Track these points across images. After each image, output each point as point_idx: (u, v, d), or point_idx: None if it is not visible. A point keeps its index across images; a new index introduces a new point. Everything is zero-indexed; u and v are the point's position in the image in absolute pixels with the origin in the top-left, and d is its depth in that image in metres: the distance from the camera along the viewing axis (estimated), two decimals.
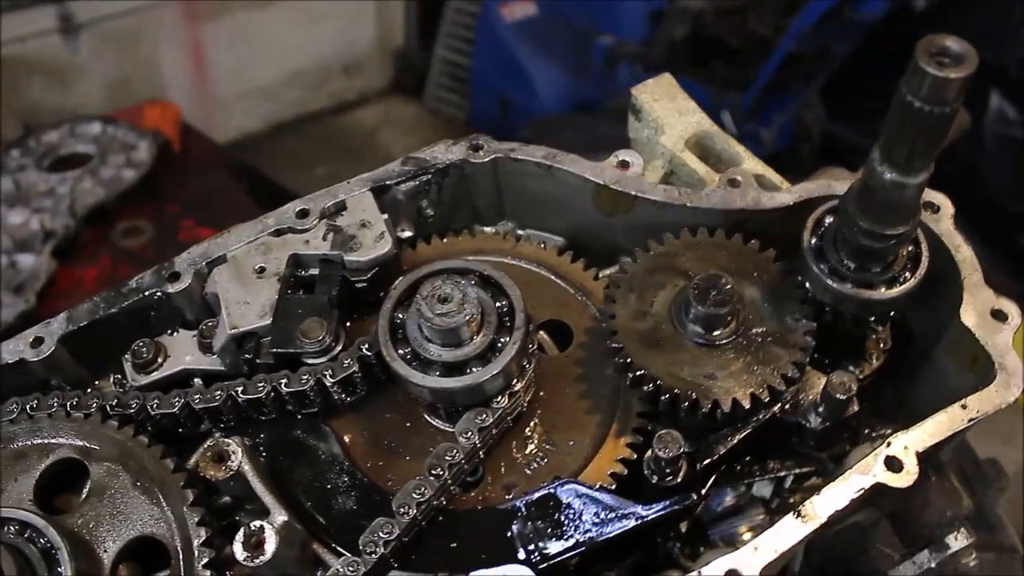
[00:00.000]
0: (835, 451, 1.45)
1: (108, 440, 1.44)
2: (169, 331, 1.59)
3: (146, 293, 1.55)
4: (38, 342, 1.53)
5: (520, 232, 1.74)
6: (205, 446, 1.44)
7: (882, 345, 1.55)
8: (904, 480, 1.30)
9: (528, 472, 1.45)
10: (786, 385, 1.38)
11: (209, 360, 1.56)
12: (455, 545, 1.37)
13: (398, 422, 1.50)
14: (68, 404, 1.49)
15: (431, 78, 6.17)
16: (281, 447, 1.48)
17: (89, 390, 1.56)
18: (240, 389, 1.46)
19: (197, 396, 1.47)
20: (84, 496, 1.41)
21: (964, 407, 1.35)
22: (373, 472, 1.46)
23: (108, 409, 1.48)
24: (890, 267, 1.38)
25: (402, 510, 1.34)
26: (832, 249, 1.40)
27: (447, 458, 1.38)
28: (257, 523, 1.30)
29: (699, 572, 1.22)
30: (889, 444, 1.32)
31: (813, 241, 1.42)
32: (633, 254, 1.51)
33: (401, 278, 1.46)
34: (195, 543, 1.32)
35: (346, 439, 1.49)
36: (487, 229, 1.75)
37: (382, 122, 6.16)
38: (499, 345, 1.38)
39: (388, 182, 1.60)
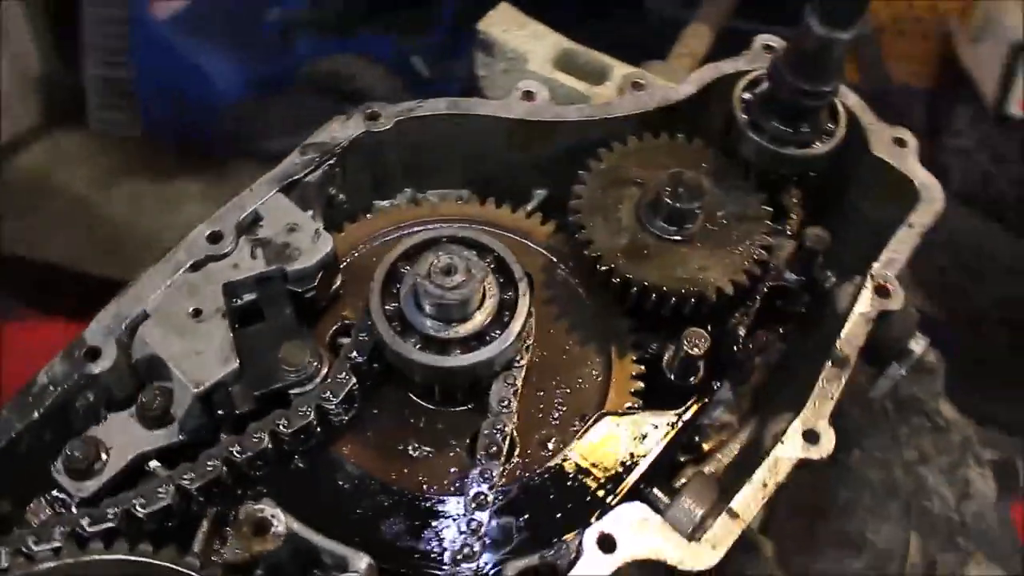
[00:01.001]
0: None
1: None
2: (96, 421, 1.34)
3: (65, 386, 1.29)
4: None
5: (420, 196, 1.64)
6: (237, 523, 1.23)
7: (794, 201, 1.64)
8: (896, 302, 1.42)
9: (555, 422, 1.40)
10: (768, 253, 1.44)
11: (162, 435, 1.34)
12: (533, 516, 1.31)
13: (400, 423, 1.38)
14: (24, 546, 1.22)
15: (89, 100, 5.53)
16: (293, 496, 1.31)
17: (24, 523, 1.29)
18: (236, 449, 1.27)
19: (189, 476, 1.26)
20: None
21: (911, 225, 1.48)
22: (404, 482, 1.34)
23: (82, 531, 1.23)
24: (819, 123, 1.47)
25: (477, 503, 1.25)
26: (764, 119, 1.46)
27: (496, 434, 1.29)
28: None
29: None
30: (872, 276, 1.42)
31: (745, 116, 1.47)
32: (579, 178, 1.48)
33: (377, 271, 1.33)
34: None
35: (360, 459, 1.35)
36: (384, 203, 1.63)
37: (52, 160, 5.47)
38: (508, 303, 1.31)
39: (295, 177, 1.44)
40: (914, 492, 1.70)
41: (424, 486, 1.33)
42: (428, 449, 1.36)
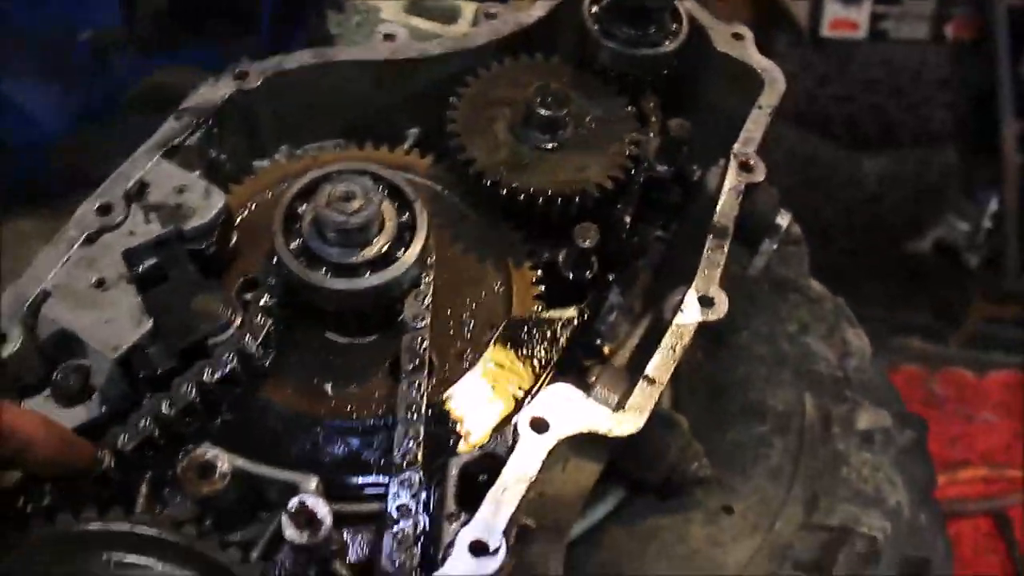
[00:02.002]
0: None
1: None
2: None
3: None
4: None
5: (298, 152, 1.67)
6: (181, 467, 1.23)
7: (652, 104, 1.75)
8: (759, 174, 1.54)
9: (468, 335, 1.46)
10: (638, 148, 1.54)
11: (83, 411, 1.32)
12: (464, 422, 1.37)
13: (319, 360, 1.41)
14: None
15: None
16: (227, 446, 1.32)
17: None
18: (166, 405, 1.27)
19: (121, 439, 1.26)
20: None
21: (760, 107, 1.61)
22: (334, 414, 1.37)
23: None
24: (664, 25, 1.58)
25: (410, 414, 1.30)
26: (614, 26, 1.56)
27: (417, 346, 1.34)
28: (294, 501, 1.18)
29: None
30: (734, 155, 1.54)
31: (596, 27, 1.57)
32: (451, 105, 1.55)
33: (276, 212, 1.35)
34: None
35: (287, 400, 1.37)
36: (263, 162, 1.65)
37: None
38: (406, 224, 1.37)
39: (175, 142, 1.45)
40: (801, 358, 1.84)
41: (355, 414, 1.37)
42: (351, 380, 1.40)
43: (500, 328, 1.45)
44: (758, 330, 1.88)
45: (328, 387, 1.39)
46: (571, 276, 1.50)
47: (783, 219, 1.69)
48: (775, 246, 1.70)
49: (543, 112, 1.48)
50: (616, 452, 1.42)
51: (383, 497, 1.31)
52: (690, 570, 1.54)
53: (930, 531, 1.79)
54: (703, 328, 1.39)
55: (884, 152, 4.16)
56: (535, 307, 1.49)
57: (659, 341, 1.37)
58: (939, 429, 1.93)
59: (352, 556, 1.32)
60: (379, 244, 1.33)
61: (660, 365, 1.34)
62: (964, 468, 3.01)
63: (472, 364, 1.43)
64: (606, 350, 1.65)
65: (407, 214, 1.37)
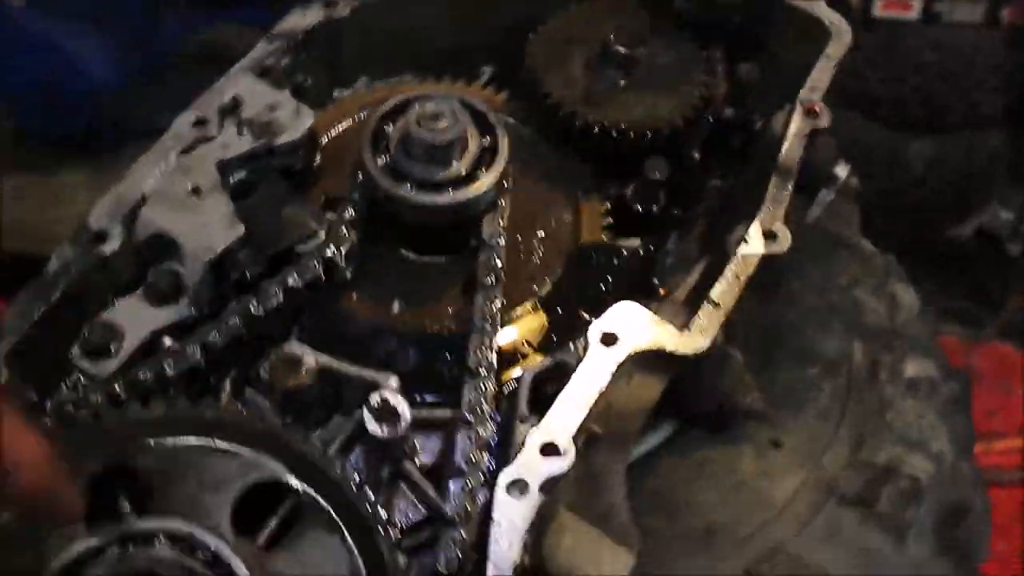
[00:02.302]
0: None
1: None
2: (105, 308, 1.40)
3: (76, 270, 1.35)
4: None
5: (376, 83, 1.74)
6: (270, 361, 1.30)
7: (719, 52, 1.80)
8: (824, 120, 1.59)
9: (537, 262, 1.52)
10: (707, 90, 1.59)
11: (173, 311, 1.40)
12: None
13: (397, 275, 1.49)
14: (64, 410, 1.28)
15: None
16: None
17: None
18: (255, 305, 1.35)
19: (212, 335, 1.33)
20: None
21: (828, 57, 1.65)
22: (410, 326, 1.44)
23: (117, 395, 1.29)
24: None
25: (486, 324, 1.36)
26: None
27: (492, 262, 1.41)
28: (375, 396, 1.25)
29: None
30: (800, 102, 1.59)
31: None
32: (529, 42, 1.61)
33: (363, 130, 1.42)
34: None
35: (366, 311, 1.44)
36: (344, 92, 1.72)
37: None
38: (488, 147, 1.43)
39: (267, 63, 1.52)
40: (851, 309, 1.88)
41: (429, 327, 1.44)
42: (425, 295, 1.47)
43: (568, 254, 1.51)
44: (810, 280, 1.93)
45: (404, 301, 1.45)
46: (639, 209, 1.56)
47: (842, 170, 1.74)
48: (832, 196, 1.76)
49: (619, 50, 1.54)
50: (675, 378, 1.48)
51: (454, 405, 1.38)
52: (738, 499, 1.59)
53: (971, 483, 1.83)
54: (757, 276, 1.44)
55: (931, 136, 4.15)
56: (602, 237, 1.55)
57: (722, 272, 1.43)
58: (977, 402, 1.96)
59: (423, 460, 1.39)
60: (461, 164, 1.39)
61: (724, 291, 1.39)
62: (1001, 439, 3.03)
63: (540, 287, 1.49)
64: (661, 292, 1.71)
65: (489, 138, 1.43)
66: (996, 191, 4.36)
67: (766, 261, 1.45)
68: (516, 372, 1.39)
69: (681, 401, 1.62)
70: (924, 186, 4.31)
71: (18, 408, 1.07)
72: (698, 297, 1.56)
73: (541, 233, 1.54)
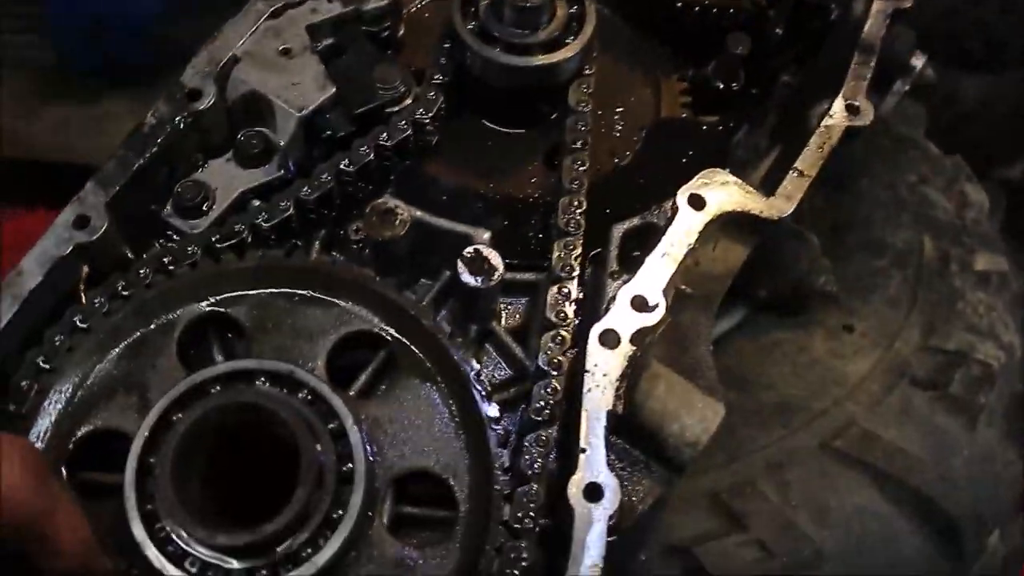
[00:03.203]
0: None
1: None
2: (196, 169, 1.42)
3: (170, 127, 1.36)
4: (83, 222, 1.29)
5: None
6: (365, 214, 1.32)
7: None
8: (908, 1, 1.58)
9: (617, 135, 1.53)
10: None
11: (262, 172, 1.42)
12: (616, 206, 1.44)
13: (481, 143, 1.50)
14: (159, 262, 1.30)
15: None
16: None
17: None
18: (346, 162, 1.37)
19: (305, 189, 1.35)
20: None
21: None
22: (495, 191, 1.46)
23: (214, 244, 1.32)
24: None
25: (574, 185, 1.38)
26: None
27: (580, 127, 1.42)
28: (469, 249, 1.27)
29: None
30: None
31: None
32: None
33: None
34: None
35: (452, 175, 1.46)
36: None
37: None
38: (576, 15, 1.43)
39: None
40: (920, 205, 1.88)
41: (513, 194, 1.45)
42: (509, 163, 1.48)
43: (651, 128, 1.52)
44: (878, 177, 1.93)
45: (489, 170, 1.47)
46: (719, 85, 1.56)
47: (918, 60, 1.73)
48: (907, 87, 1.75)
49: None
50: (754, 257, 1.49)
51: (538, 269, 1.40)
52: (811, 377, 1.61)
53: None
54: (825, 170, 1.44)
55: (986, 72, 4.09)
56: (681, 114, 1.55)
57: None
58: None
59: (508, 322, 1.41)
60: (550, 29, 1.40)
61: (808, 159, 1.40)
62: None
63: (622, 159, 1.50)
64: None
65: (576, 7, 1.44)
66: None
67: (849, 133, 1.45)
68: None
69: (756, 283, 1.64)
70: (974, 123, 4.27)
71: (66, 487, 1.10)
72: (772, 180, 1.57)
73: (620, 109, 1.55)
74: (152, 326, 1.28)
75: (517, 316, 1.41)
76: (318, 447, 1.13)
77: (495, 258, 1.26)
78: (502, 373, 1.37)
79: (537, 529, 1.16)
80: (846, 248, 1.80)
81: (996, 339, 1.71)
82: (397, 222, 1.30)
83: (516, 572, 1.12)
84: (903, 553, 1.48)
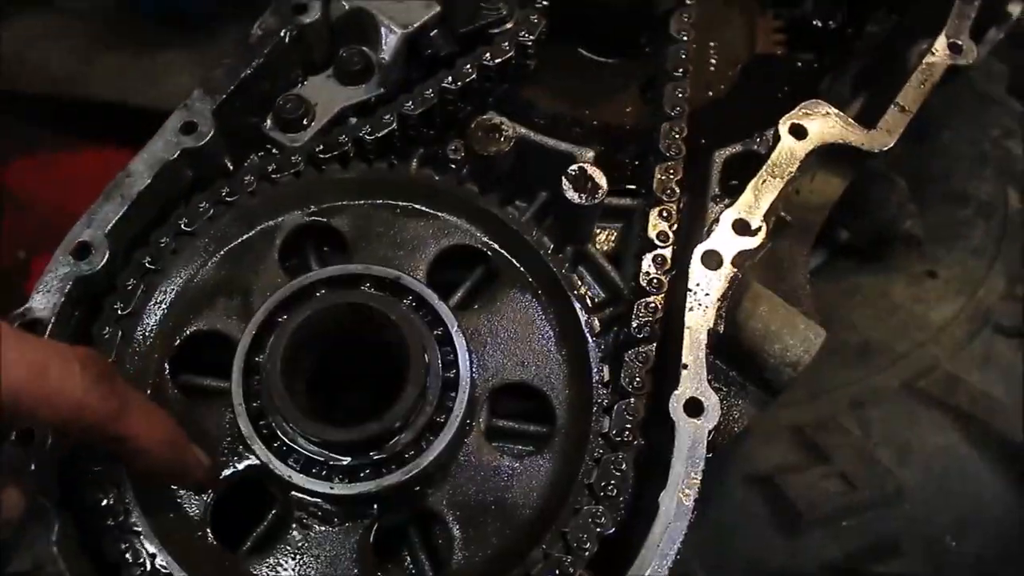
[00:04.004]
0: None
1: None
2: (292, 84, 1.43)
3: (280, 35, 1.37)
4: (190, 128, 1.30)
5: None
6: (471, 129, 1.33)
7: None
8: None
9: (713, 69, 1.53)
10: None
11: (361, 90, 1.43)
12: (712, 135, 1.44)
13: (578, 71, 1.51)
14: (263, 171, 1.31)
15: None
16: None
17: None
18: (448, 80, 1.37)
19: (408, 104, 1.36)
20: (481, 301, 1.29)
21: None
22: (592, 118, 1.46)
23: (319, 155, 1.33)
24: None
25: (676, 111, 1.38)
26: None
27: (681, 57, 1.41)
28: (574, 167, 1.27)
29: None
30: None
31: None
32: None
33: None
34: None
35: (549, 101, 1.47)
36: None
37: (19, 44, 5.31)
38: None
39: None
40: (1004, 159, 1.87)
41: (612, 120, 1.46)
42: (606, 92, 1.48)
43: (743, 64, 1.52)
44: (961, 131, 1.92)
45: (586, 97, 1.47)
46: (818, 23, 1.55)
47: (1015, 7, 1.71)
48: (1002, 35, 1.73)
49: None
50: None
51: (633, 194, 1.40)
52: (894, 320, 1.61)
53: None
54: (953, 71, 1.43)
55: None
56: (776, 50, 1.55)
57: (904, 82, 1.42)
58: None
59: (602, 246, 1.42)
60: None
61: (910, 95, 1.39)
62: None
63: (717, 93, 1.50)
64: None
65: None
66: None
67: (951, 72, 1.44)
68: None
69: (840, 224, 1.64)
70: None
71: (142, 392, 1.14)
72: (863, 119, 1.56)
73: (715, 44, 1.54)
74: (254, 232, 1.30)
75: (611, 241, 1.42)
76: (425, 349, 1.15)
77: (599, 176, 1.27)
78: (596, 294, 1.38)
79: (636, 443, 1.16)
80: (928, 199, 1.79)
81: None
82: (502, 138, 1.31)
83: (613, 483, 1.13)
84: (983, 496, 1.49)
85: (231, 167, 1.38)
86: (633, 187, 1.41)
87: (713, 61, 1.53)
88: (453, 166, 1.38)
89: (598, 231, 1.41)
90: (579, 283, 1.25)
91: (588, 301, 1.25)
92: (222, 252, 1.29)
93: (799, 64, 1.54)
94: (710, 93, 1.50)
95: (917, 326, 1.59)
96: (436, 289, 1.27)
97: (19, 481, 1.02)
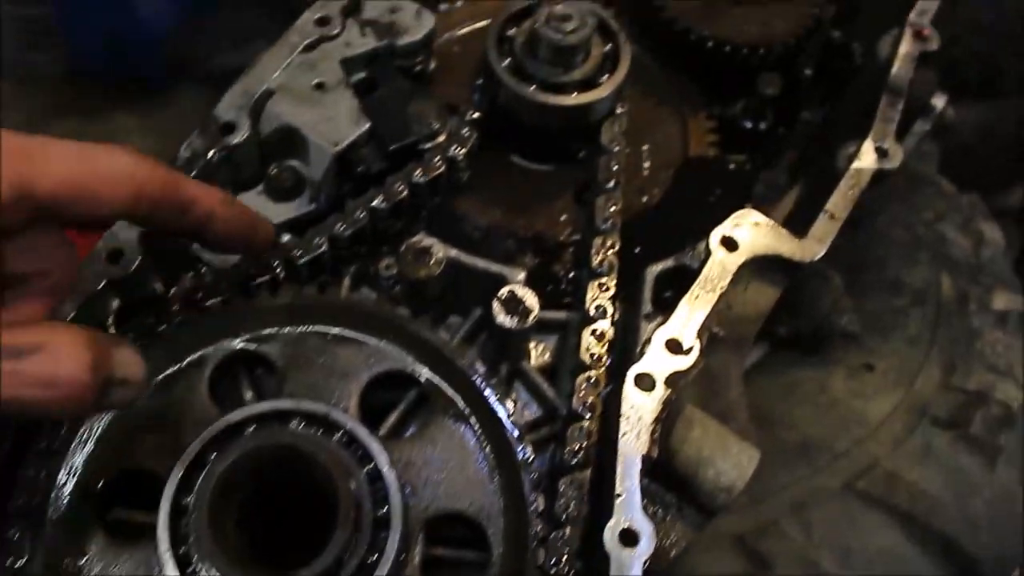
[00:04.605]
0: None
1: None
2: None
3: (207, 156, 1.36)
4: (116, 256, 1.28)
5: None
6: (400, 252, 1.32)
7: None
8: (934, 43, 1.60)
9: (646, 174, 1.54)
10: (820, 11, 1.60)
11: (293, 206, 1.42)
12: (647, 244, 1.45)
13: (510, 180, 1.51)
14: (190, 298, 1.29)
15: (5, 42, 5.31)
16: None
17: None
18: (379, 200, 1.36)
19: (340, 226, 1.34)
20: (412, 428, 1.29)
21: None
22: (527, 229, 1.46)
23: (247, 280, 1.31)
24: None
25: (607, 225, 1.38)
26: None
27: (613, 166, 1.42)
28: (504, 289, 1.27)
29: None
30: (910, 23, 1.60)
31: None
32: None
33: (489, 31, 1.43)
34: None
35: (482, 213, 1.46)
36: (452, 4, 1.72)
37: None
38: (610, 53, 1.44)
39: None
40: (937, 243, 1.89)
41: (543, 231, 1.45)
42: (539, 201, 1.48)
43: (677, 168, 1.52)
44: (894, 215, 1.94)
45: (519, 206, 1.47)
46: (748, 125, 1.57)
47: (939, 100, 1.74)
48: (928, 127, 1.76)
49: None
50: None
51: (570, 307, 1.40)
52: (833, 417, 1.61)
53: None
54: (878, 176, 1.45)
55: (984, 101, 4.12)
56: (709, 152, 1.56)
57: (834, 186, 1.44)
58: None
59: (537, 359, 1.41)
60: (585, 68, 1.40)
61: (839, 202, 1.40)
62: None
63: (651, 198, 1.50)
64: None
65: (610, 45, 1.44)
66: None
67: (878, 176, 1.46)
68: None
69: (776, 321, 1.64)
70: (972, 153, 4.30)
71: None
72: (796, 219, 1.58)
73: (648, 147, 1.55)
74: (183, 364, 1.27)
75: (547, 354, 1.41)
76: (355, 490, 1.13)
77: (530, 299, 1.26)
78: (531, 412, 1.37)
79: (572, 574, 1.15)
80: (863, 286, 1.80)
81: (1015, 379, 1.72)
82: (432, 261, 1.30)
83: None
84: None
85: (161, 290, 1.36)
86: (568, 300, 1.40)
87: (647, 164, 1.53)
88: (385, 284, 1.37)
89: (533, 344, 1.40)
90: (513, 409, 1.24)
91: (523, 426, 1.24)
92: (150, 386, 1.26)
93: (731, 166, 1.55)
94: (644, 199, 1.50)
95: (856, 422, 1.60)
96: (370, 413, 1.25)
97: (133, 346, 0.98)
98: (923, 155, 2.09)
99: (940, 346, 1.72)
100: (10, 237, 0.90)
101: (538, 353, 1.41)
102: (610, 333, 1.31)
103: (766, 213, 1.66)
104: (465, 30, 1.63)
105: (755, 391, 1.63)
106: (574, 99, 1.39)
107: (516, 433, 1.23)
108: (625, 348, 1.32)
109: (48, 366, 0.84)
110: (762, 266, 1.35)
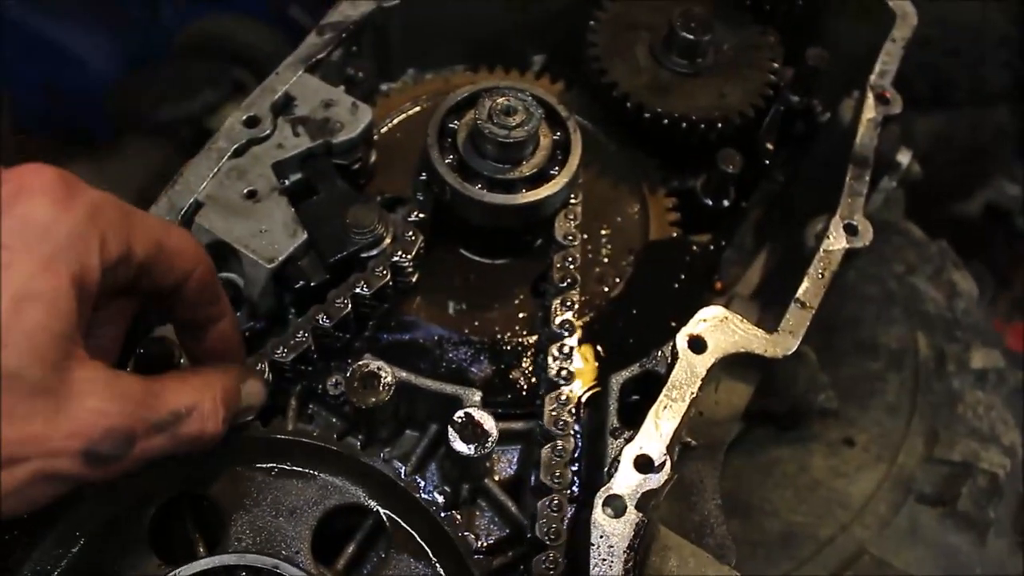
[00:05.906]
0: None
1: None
2: (159, 322, 1.32)
3: None
4: None
5: (426, 76, 1.66)
6: (346, 378, 1.22)
7: (774, 39, 1.73)
8: (897, 106, 1.53)
9: (607, 260, 1.46)
10: (777, 77, 1.52)
11: None
12: (609, 342, 1.37)
13: (461, 279, 1.42)
14: None
15: None
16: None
17: None
18: (323, 317, 1.27)
19: (280, 350, 1.25)
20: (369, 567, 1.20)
21: (894, 40, 1.59)
22: (480, 332, 1.37)
23: None
24: None
25: (563, 330, 1.30)
26: None
27: (569, 265, 1.34)
28: (460, 413, 1.18)
29: None
30: (871, 87, 1.53)
31: None
32: (590, 28, 1.53)
33: (429, 126, 1.34)
34: None
35: (434, 318, 1.37)
36: (392, 85, 1.64)
37: None
38: (560, 142, 1.35)
39: (317, 57, 1.43)
40: (910, 298, 1.83)
41: (499, 334, 1.37)
42: (494, 300, 1.40)
43: (638, 252, 1.45)
44: (865, 270, 1.88)
45: (473, 306, 1.38)
46: (709, 202, 1.49)
47: (904, 156, 1.68)
48: (894, 183, 1.70)
49: (686, 36, 1.46)
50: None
51: (532, 416, 1.32)
52: (815, 500, 1.54)
53: None
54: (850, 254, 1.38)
55: (936, 112, 4.10)
56: (671, 232, 1.48)
57: (803, 268, 1.36)
58: None
59: (501, 474, 1.33)
60: (536, 160, 1.32)
61: (810, 290, 1.33)
62: None
63: (612, 287, 1.42)
64: (717, 285, 1.65)
65: (560, 133, 1.36)
66: (1002, 167, 4.34)
67: (849, 254, 1.39)
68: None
69: (753, 398, 1.57)
70: (930, 162, 4.28)
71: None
72: (767, 291, 1.51)
73: (607, 231, 1.47)
74: (120, 511, 1.17)
75: (511, 467, 1.33)
76: None
77: (488, 422, 1.18)
78: (498, 531, 1.28)
79: None
80: (838, 351, 1.74)
81: (999, 443, 1.66)
82: (381, 386, 1.21)
83: None
84: None
85: None
86: (530, 407, 1.32)
87: (606, 250, 1.45)
88: (334, 403, 1.28)
89: (496, 456, 1.32)
90: (475, 542, 1.16)
91: (486, 561, 1.16)
92: (83, 540, 1.16)
93: (694, 247, 1.47)
94: (604, 288, 1.42)
95: (839, 503, 1.53)
96: (325, 542, 1.16)
97: (258, 374, 1.16)
98: (890, 201, 2.03)
99: (921, 413, 1.66)
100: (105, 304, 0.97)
101: (502, 465, 1.33)
102: (572, 449, 1.22)
103: (735, 280, 1.61)
104: (409, 113, 1.54)
105: (732, 474, 1.56)
106: (524, 197, 1.30)
107: (481, 568, 1.14)
108: (592, 462, 1.24)
109: (196, 426, 0.95)
110: (733, 364, 1.27)
